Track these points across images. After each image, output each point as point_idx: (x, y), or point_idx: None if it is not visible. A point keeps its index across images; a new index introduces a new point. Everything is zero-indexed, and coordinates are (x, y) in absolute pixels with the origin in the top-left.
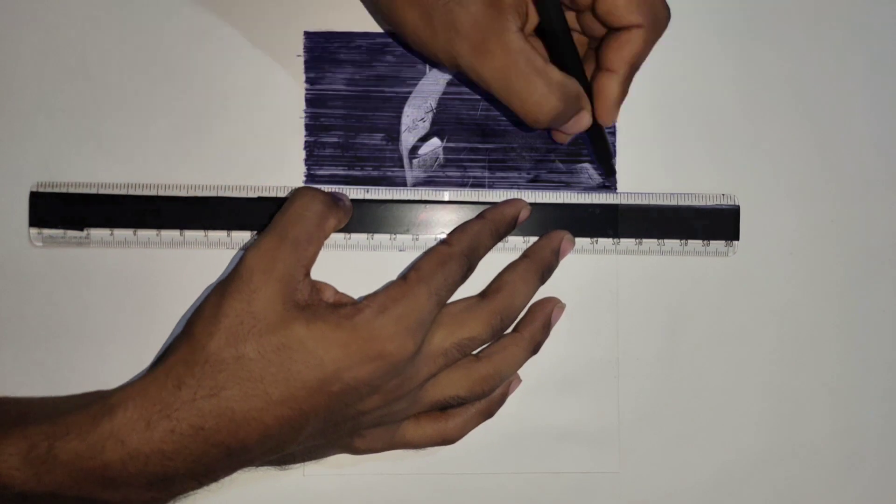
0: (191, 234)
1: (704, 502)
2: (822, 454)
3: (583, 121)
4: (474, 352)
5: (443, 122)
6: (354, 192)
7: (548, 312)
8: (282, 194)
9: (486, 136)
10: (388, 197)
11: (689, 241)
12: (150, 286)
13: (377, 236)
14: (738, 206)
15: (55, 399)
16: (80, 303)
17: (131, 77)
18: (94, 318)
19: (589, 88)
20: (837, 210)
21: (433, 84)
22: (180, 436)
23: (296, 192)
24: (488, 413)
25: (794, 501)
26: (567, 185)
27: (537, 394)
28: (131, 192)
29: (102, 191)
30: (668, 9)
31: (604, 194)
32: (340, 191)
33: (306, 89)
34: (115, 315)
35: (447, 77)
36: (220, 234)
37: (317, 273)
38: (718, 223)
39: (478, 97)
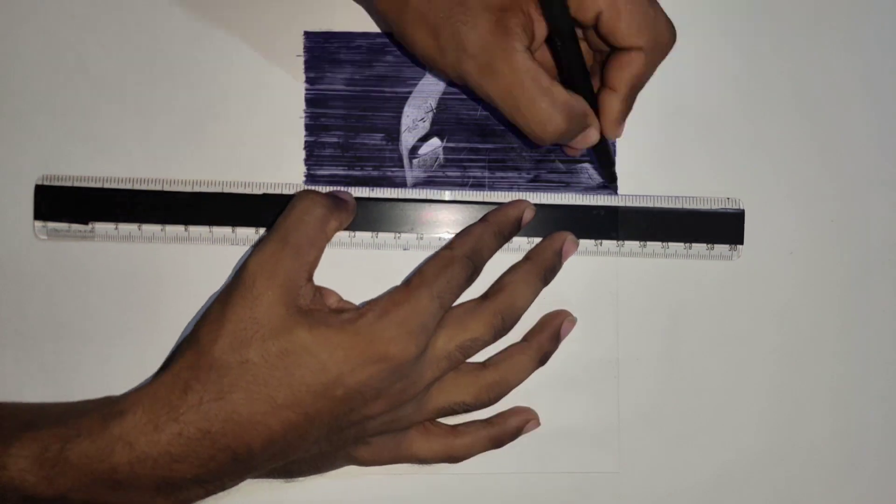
0: (195, 230)
1: (704, 502)
2: (822, 454)
3: (590, 137)
4: (481, 360)
5: (443, 122)
6: (359, 191)
7: (557, 324)
8: (287, 191)
9: (486, 136)
10: (391, 195)
11: (694, 244)
12: (154, 281)
13: (381, 235)
14: (743, 210)
15: (65, 404)
16: (84, 297)
17: (131, 77)
18: (97, 312)
19: (595, 98)
20: (839, 212)
21: (433, 84)
22: (187, 439)
23: (297, 196)
24: (498, 441)
25: (794, 501)
26: (567, 185)
27: (537, 394)
28: (137, 186)
29: (108, 185)
30: (672, 32)
31: (608, 196)
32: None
33: (306, 89)
34: (119, 310)
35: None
36: (224, 230)
37: (321, 270)
38: (723, 227)
39: (478, 104)
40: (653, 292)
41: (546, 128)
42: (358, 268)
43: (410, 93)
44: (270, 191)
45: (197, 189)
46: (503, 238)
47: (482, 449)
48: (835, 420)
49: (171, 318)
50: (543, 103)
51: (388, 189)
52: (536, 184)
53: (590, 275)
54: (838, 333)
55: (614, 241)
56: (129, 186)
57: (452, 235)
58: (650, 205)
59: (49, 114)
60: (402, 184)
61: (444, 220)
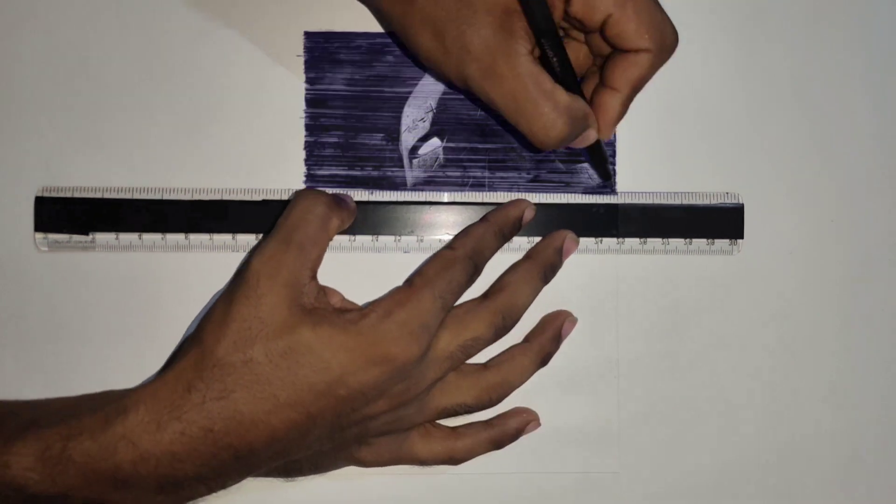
0: (196, 238)
1: (704, 502)
2: (822, 454)
3: (588, 139)
4: (483, 361)
5: (443, 122)
6: (359, 194)
7: (558, 325)
8: (286, 197)
9: (486, 136)
10: (391, 198)
11: (694, 240)
12: (156, 290)
13: (381, 238)
14: (742, 205)
15: (67, 400)
16: (86, 307)
17: (131, 78)
18: (99, 322)
19: (581, 93)
20: (838, 209)
21: (433, 84)
22: (190, 438)
23: (298, 195)
24: (499, 443)
25: (794, 501)
26: (567, 185)
27: (537, 394)
28: (136, 196)
29: (107, 195)
30: (676, 35)
31: (608, 194)
32: (342, 191)
33: (306, 89)
34: (121, 319)
35: None
36: (225, 238)
37: (322, 274)
38: (722, 222)
39: (478, 106)
40: (653, 292)
41: (549, 132)
42: (358, 271)
43: (410, 93)
44: (270, 197)
45: (197, 197)
46: (504, 238)
47: (483, 450)
48: (834, 419)
49: (172, 326)
50: (546, 107)
51: (388, 192)
52: (536, 184)
53: (590, 273)
54: (838, 333)
55: (614, 239)
56: (129, 196)
57: (452, 237)
58: (650, 201)
59: (48, 120)
60: (402, 184)
61: (444, 223)
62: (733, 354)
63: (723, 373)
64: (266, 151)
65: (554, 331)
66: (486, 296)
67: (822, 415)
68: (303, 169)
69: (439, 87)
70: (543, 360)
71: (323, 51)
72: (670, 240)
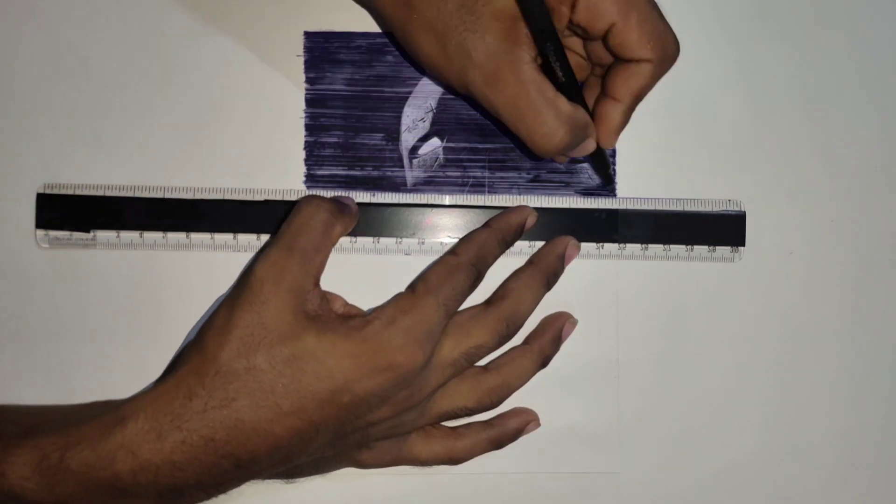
0: (197, 237)
1: (704, 502)
2: (821, 454)
3: (588, 148)
4: (483, 363)
5: (443, 122)
6: (360, 196)
7: (558, 327)
8: (288, 197)
9: (486, 136)
10: (393, 200)
11: (696, 246)
12: (156, 289)
13: (383, 240)
14: (745, 212)
15: (66, 408)
16: (86, 305)
17: (131, 78)
18: (99, 320)
19: (586, 106)
20: (839, 212)
21: (433, 84)
22: (191, 447)
23: (301, 202)
24: (499, 443)
25: (794, 501)
26: (567, 185)
27: (538, 394)
28: (138, 194)
29: (109, 193)
30: (678, 45)
31: (609, 200)
32: (342, 192)
33: (306, 89)
34: (121, 318)
35: None
36: (226, 237)
37: (323, 275)
38: (724, 229)
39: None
40: (653, 293)
41: (550, 140)
42: (360, 273)
43: (410, 93)
44: (272, 197)
45: (198, 196)
46: (506, 244)
47: (483, 451)
48: (835, 420)
49: (172, 324)
50: (548, 115)
51: (390, 194)
52: (536, 183)
53: (590, 276)
54: (838, 334)
55: (616, 244)
56: (130, 194)
57: (454, 240)
58: (651, 207)
59: (49, 117)
60: (402, 184)
61: (445, 225)
62: (733, 355)
63: (723, 373)
64: (266, 151)
65: (554, 333)
66: (489, 303)
67: (821, 416)
68: (303, 169)
69: (439, 88)
70: (543, 363)
71: (323, 51)
72: (671, 246)
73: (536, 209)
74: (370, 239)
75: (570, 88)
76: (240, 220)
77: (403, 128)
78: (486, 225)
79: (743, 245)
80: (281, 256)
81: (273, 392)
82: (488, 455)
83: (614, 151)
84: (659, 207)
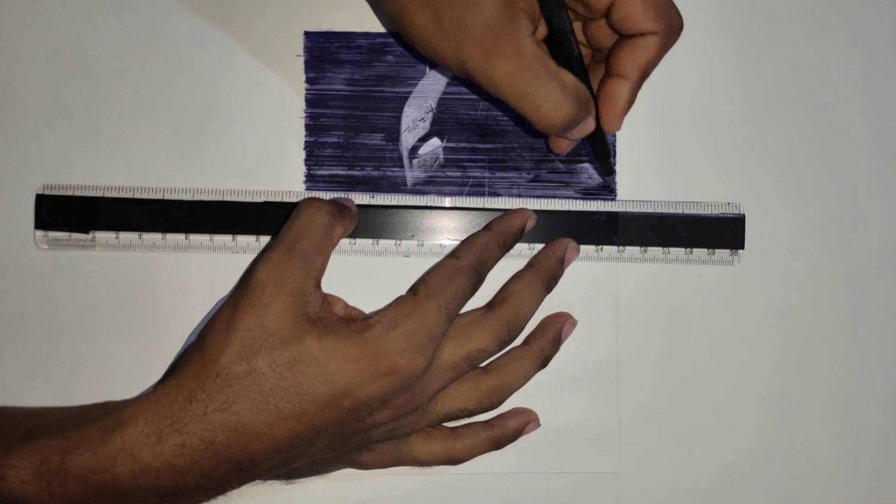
0: (196, 238)
1: (704, 502)
2: (821, 454)
3: (588, 126)
4: (482, 364)
5: (443, 122)
6: (359, 198)
7: (558, 327)
8: (287, 199)
9: (486, 136)
10: (392, 202)
11: (695, 249)
12: (155, 290)
13: (382, 241)
14: (744, 215)
15: (65, 410)
16: (85, 306)
17: (131, 78)
18: (98, 321)
19: (592, 93)
20: (839, 212)
21: (433, 84)
22: (191, 450)
23: (302, 204)
24: (498, 443)
25: (794, 501)
26: (567, 185)
27: (538, 394)
28: (137, 195)
29: (108, 194)
30: (681, 17)
31: (609, 202)
32: (342, 192)
33: (306, 89)
34: (120, 318)
35: (447, 77)
36: (225, 239)
37: (323, 278)
38: (724, 232)
39: (478, 97)
40: (653, 293)
41: (557, 113)
42: (359, 274)
43: (410, 93)
44: (271, 198)
45: (197, 197)
46: (507, 247)
47: (482, 451)
48: (834, 420)
49: (171, 325)
50: (553, 88)
51: (389, 195)
52: (536, 184)
53: (590, 278)
54: (838, 334)
55: (615, 247)
56: (129, 195)
57: (453, 242)
58: (651, 210)
59: (49, 118)
60: (402, 184)
61: (444, 227)
62: (733, 356)
63: (723, 374)
64: (266, 152)
65: (554, 333)
66: (490, 306)
67: (821, 416)
68: (303, 169)
69: (439, 88)
70: (543, 363)
71: (323, 51)
72: (671, 249)
73: (536, 212)
74: (369, 241)
75: (578, 64)
76: (239, 221)
77: (403, 128)
78: (487, 228)
79: (742, 248)
80: (282, 259)
81: (274, 395)
82: (488, 455)
83: (614, 152)
84: (658, 210)
